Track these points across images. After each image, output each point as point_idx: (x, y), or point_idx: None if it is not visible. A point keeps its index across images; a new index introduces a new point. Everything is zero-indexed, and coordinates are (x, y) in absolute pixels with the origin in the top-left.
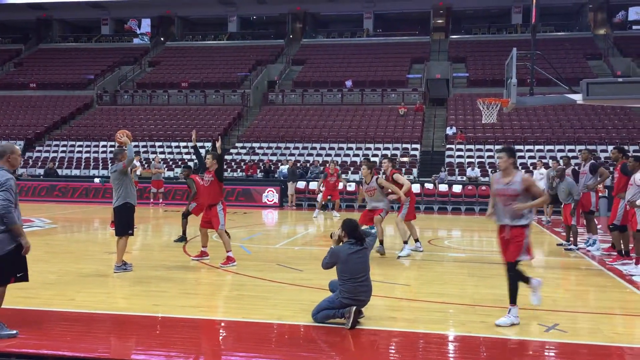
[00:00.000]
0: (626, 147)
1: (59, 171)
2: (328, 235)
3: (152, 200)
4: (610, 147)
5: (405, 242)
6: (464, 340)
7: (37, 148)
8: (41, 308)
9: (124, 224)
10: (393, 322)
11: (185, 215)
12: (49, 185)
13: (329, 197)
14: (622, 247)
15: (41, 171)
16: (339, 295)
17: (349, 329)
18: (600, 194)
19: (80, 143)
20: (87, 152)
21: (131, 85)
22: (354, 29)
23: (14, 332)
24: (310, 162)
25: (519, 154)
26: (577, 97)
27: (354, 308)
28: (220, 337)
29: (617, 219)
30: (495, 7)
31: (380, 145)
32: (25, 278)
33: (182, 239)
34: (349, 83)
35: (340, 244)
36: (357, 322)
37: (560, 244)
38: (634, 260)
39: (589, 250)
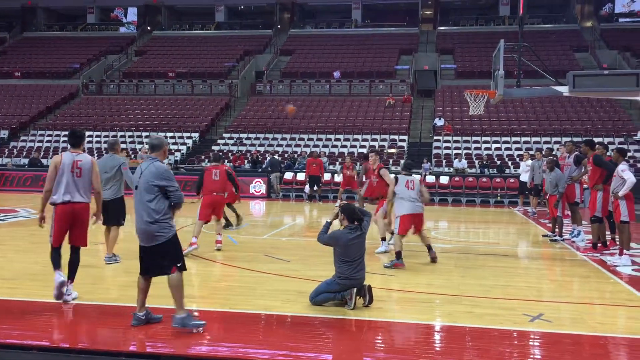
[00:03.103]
0: (611, 139)
1: (44, 161)
2: (315, 227)
3: None
4: (597, 139)
5: (383, 239)
6: (450, 330)
7: (22, 138)
8: (26, 299)
9: (122, 214)
10: (380, 313)
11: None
12: (33, 175)
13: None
14: (598, 238)
15: (26, 161)
16: (336, 278)
17: (352, 310)
18: (584, 186)
19: (66, 133)
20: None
21: (117, 74)
22: (342, 20)
23: (201, 322)
24: (298, 153)
25: (505, 145)
26: (564, 89)
27: (355, 290)
28: (208, 328)
29: (597, 210)
30: None
31: (367, 137)
32: (183, 267)
33: (228, 225)
34: (337, 74)
35: (337, 220)
36: (372, 298)
37: (546, 235)
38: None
39: (573, 241)
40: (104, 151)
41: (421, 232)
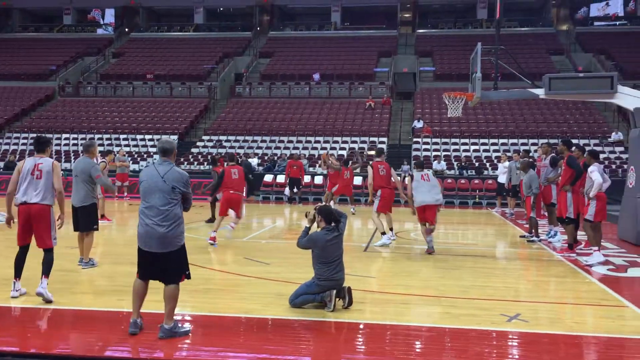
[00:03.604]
0: (587, 141)
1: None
2: (295, 229)
3: (116, 193)
4: (573, 141)
5: (383, 233)
6: (430, 331)
7: None
8: (1, 304)
9: (93, 220)
10: (360, 314)
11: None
12: (9, 178)
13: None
14: (574, 239)
15: (1, 164)
16: (315, 280)
17: (331, 312)
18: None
19: (42, 135)
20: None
21: (94, 76)
22: (321, 22)
23: (188, 328)
24: (278, 155)
25: (483, 147)
26: (540, 92)
27: (334, 291)
28: None
29: (569, 212)
30: (461, 2)
31: (347, 139)
32: (189, 276)
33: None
34: (316, 76)
35: (315, 224)
36: (351, 300)
37: (523, 236)
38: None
39: (550, 242)
40: (81, 154)
41: (431, 225)
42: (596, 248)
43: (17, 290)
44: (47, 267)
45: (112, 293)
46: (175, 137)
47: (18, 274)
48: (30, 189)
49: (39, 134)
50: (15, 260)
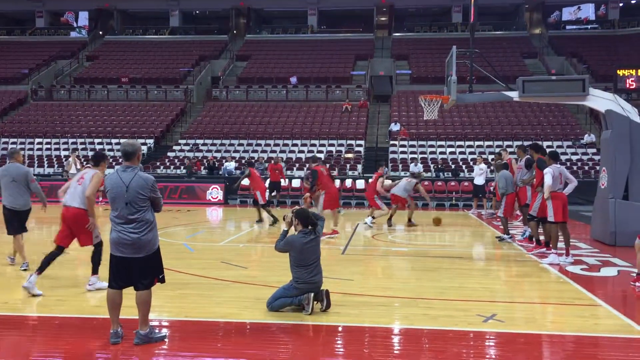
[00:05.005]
0: (560, 143)
1: None
2: (273, 233)
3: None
4: (546, 143)
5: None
6: (408, 332)
7: None
8: None
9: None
10: (338, 317)
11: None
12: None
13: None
14: (542, 237)
15: None
16: (293, 283)
17: (309, 315)
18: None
19: (14, 140)
20: (20, 149)
21: (68, 80)
22: (298, 25)
23: (164, 333)
24: (255, 158)
25: (459, 149)
26: (514, 95)
27: (312, 294)
28: None
29: (533, 209)
30: (436, 6)
31: (325, 142)
32: (164, 280)
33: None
34: (293, 79)
35: (292, 227)
36: (329, 303)
37: (499, 237)
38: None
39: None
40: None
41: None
42: (555, 251)
43: (29, 282)
44: (94, 263)
45: (87, 300)
46: (152, 140)
47: (40, 268)
48: (72, 194)
49: (96, 151)
50: (46, 256)
